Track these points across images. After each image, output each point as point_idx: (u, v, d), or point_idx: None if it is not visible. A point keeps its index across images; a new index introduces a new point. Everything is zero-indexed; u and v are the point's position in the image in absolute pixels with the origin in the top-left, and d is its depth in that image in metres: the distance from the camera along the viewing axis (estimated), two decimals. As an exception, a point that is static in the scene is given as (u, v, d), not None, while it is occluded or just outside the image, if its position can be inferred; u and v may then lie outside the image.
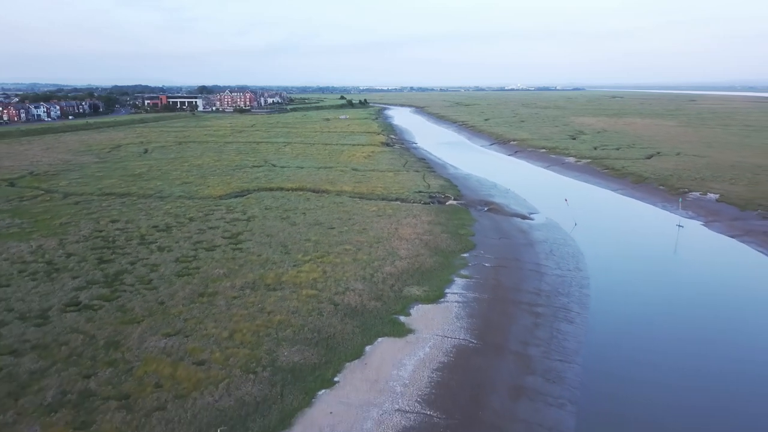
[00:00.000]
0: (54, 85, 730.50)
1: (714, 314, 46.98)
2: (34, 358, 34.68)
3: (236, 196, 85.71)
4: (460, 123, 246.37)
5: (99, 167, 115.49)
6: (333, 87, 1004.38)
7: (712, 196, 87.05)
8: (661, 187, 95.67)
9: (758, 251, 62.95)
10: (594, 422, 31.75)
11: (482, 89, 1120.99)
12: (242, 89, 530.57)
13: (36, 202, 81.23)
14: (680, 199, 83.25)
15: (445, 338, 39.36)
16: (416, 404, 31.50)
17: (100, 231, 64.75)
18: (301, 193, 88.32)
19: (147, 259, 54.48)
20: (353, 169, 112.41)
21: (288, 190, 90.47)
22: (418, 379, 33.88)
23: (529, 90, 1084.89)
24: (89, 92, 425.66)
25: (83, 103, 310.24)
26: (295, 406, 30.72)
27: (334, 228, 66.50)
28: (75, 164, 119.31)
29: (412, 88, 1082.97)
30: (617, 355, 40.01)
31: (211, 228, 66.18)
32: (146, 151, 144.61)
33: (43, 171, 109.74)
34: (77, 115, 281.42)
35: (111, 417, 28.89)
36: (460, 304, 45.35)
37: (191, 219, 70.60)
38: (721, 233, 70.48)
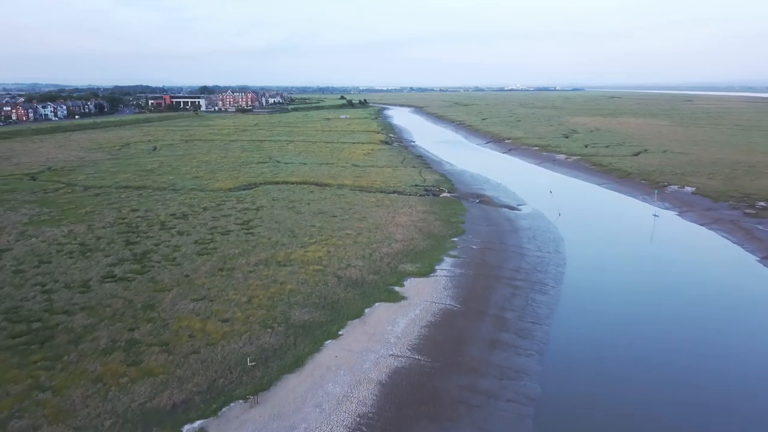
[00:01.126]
0: (54, 85, 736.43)
1: (673, 286, 53.32)
2: (84, 317, 40.99)
3: (245, 189, 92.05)
4: (458, 122, 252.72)
5: (112, 163, 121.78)
6: (333, 87, 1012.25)
7: (689, 189, 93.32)
8: (643, 181, 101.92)
9: (723, 236, 69.25)
10: (557, 367, 37.90)
11: (482, 89, 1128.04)
12: (243, 89, 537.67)
13: (59, 194, 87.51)
14: (656, 191, 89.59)
15: (433, 304, 45.67)
16: (407, 351, 37.81)
17: (123, 218, 71.04)
18: (304, 186, 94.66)
19: (169, 241, 60.80)
20: (353, 165, 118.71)
21: (292, 183, 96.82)
22: (409, 333, 40.20)
23: (528, 90, 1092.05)
24: (93, 92, 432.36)
25: (89, 103, 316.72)
26: (306, 352, 37.05)
27: (336, 216, 72.79)
28: (89, 160, 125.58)
29: (411, 89, 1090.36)
30: (584, 319, 46.11)
31: (223, 216, 72.49)
32: (155, 148, 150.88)
33: (60, 166, 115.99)
34: (83, 115, 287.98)
35: (156, 357, 35.21)
36: (448, 278, 51.64)
37: (205, 208, 76.89)
38: (692, 222, 76.75)
